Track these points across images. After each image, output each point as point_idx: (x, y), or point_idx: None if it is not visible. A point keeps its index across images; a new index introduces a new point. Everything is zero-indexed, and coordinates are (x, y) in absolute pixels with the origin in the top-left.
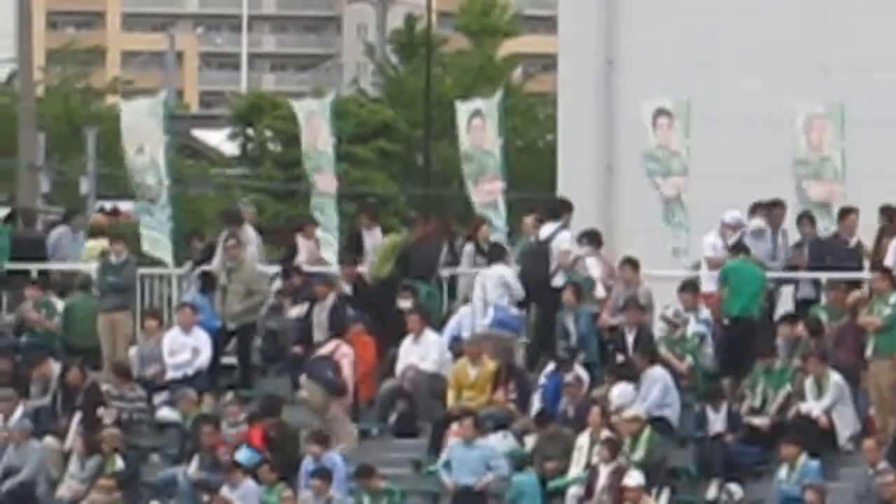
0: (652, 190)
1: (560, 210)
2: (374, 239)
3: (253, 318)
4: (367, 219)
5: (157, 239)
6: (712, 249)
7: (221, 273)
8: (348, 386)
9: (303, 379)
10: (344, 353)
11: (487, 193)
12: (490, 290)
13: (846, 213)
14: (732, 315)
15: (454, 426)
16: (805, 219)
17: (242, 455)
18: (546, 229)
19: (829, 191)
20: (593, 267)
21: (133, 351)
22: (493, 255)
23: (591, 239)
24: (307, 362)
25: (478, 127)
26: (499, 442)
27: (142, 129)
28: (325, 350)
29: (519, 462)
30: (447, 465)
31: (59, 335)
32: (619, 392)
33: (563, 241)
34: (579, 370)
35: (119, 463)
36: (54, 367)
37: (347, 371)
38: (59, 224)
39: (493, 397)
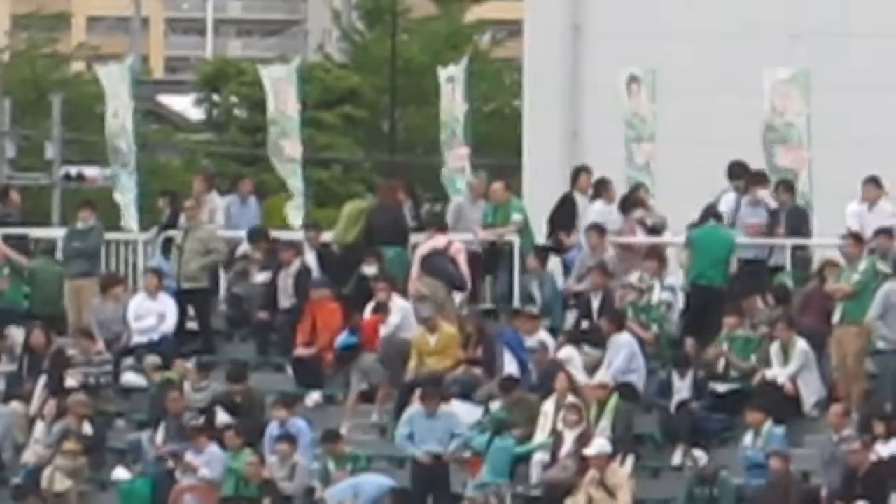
0: (621, 156)
1: None
2: None
3: (206, 283)
4: None
5: (125, 207)
6: (855, 217)
7: (178, 233)
8: (467, 280)
9: (414, 273)
10: (458, 249)
11: (458, 159)
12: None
13: (577, 172)
14: (689, 280)
15: (417, 392)
16: (782, 186)
17: (342, 339)
18: None
19: (795, 157)
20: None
21: (92, 318)
22: (596, 190)
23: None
24: (424, 259)
25: (449, 93)
26: (466, 411)
27: (115, 93)
28: (438, 245)
29: (497, 426)
30: (410, 436)
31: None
32: (566, 354)
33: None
34: (544, 335)
35: (87, 428)
36: (18, 332)
37: (464, 266)
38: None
39: (467, 355)
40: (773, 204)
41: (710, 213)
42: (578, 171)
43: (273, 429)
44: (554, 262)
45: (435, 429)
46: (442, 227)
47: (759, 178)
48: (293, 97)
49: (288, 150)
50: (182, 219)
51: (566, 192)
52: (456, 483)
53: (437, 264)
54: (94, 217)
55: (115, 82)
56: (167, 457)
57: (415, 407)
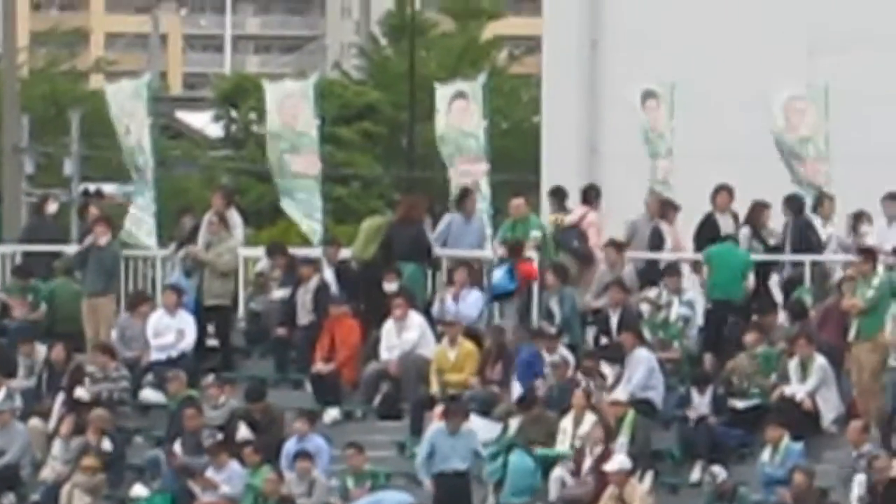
0: (639, 172)
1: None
2: None
3: (230, 301)
4: None
5: (141, 220)
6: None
7: (200, 251)
8: (595, 254)
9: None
10: (591, 222)
11: (466, 174)
12: None
13: (718, 190)
14: (711, 298)
15: (438, 409)
16: (791, 201)
17: (499, 281)
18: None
19: (814, 171)
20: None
21: (114, 333)
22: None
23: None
24: (560, 232)
25: (460, 108)
26: (484, 428)
27: (126, 111)
28: (573, 218)
29: (507, 445)
30: (431, 456)
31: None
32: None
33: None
34: (564, 351)
35: (106, 444)
36: (40, 349)
37: (595, 240)
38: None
39: (484, 375)
40: None
41: (726, 237)
42: (718, 190)
43: (291, 443)
44: None
45: (457, 447)
46: (586, 200)
47: None
48: (309, 113)
49: (303, 167)
50: (203, 235)
51: (707, 212)
52: (476, 500)
53: (564, 238)
54: (109, 233)
55: (126, 99)
56: (180, 470)
57: (436, 424)
